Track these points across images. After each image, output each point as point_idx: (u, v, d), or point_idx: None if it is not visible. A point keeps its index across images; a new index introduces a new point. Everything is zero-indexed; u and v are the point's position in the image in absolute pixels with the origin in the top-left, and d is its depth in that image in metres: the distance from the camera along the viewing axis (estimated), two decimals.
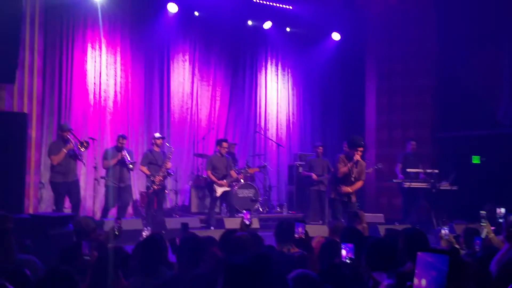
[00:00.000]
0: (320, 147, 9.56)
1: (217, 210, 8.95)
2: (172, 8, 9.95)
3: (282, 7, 11.08)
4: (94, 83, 9.37)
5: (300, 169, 10.09)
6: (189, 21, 10.47)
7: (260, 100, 11.45)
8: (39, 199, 8.38)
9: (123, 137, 8.08)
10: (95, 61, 9.37)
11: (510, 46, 9.90)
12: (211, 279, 2.84)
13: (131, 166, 8.00)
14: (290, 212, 10.04)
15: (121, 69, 9.69)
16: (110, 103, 9.55)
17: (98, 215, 8.27)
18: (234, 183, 8.92)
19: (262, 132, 11.29)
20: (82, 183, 8.50)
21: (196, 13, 10.45)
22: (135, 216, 8.97)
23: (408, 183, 9.05)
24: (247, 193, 9.42)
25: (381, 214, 9.32)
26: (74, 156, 7.50)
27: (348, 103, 12.00)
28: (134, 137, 9.74)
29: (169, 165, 8.17)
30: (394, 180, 9.32)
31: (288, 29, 11.54)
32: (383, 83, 11.28)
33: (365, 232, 4.96)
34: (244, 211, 4.41)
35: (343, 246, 3.07)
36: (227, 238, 3.57)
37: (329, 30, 11.68)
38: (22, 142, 6.97)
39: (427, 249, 1.86)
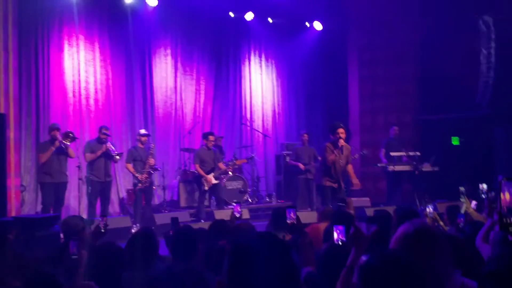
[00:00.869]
0: (305, 135, 9.59)
1: (206, 203, 8.89)
2: (152, 1, 9.79)
3: None
4: (73, 81, 9.13)
5: (287, 159, 10.10)
6: (169, 14, 10.26)
7: (245, 91, 11.38)
8: (21, 202, 8.15)
9: (106, 128, 7.89)
10: (73, 58, 9.13)
11: (487, 30, 10.07)
12: (205, 271, 2.81)
13: (117, 157, 7.76)
14: (279, 201, 10.04)
15: (100, 66, 9.47)
16: (91, 101, 9.34)
17: (85, 215, 8.12)
18: (222, 176, 8.87)
19: (248, 123, 11.25)
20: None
21: (176, 6, 10.27)
22: (123, 213, 8.85)
23: (392, 167, 9.41)
24: (236, 185, 9.41)
25: (367, 198, 9.65)
26: (62, 151, 7.34)
27: (331, 91, 12.03)
28: (117, 134, 9.55)
29: (152, 161, 8.02)
30: (379, 165, 9.63)
31: (270, 20, 11.46)
32: (365, 70, 11.44)
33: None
34: (234, 204, 4.40)
35: (334, 228, 3.06)
36: (216, 227, 3.56)
37: (311, 20, 11.68)
38: (1, 143, 6.75)
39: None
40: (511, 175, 2.75)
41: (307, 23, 11.80)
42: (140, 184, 7.88)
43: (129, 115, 9.80)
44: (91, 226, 6.53)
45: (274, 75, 11.84)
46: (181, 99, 10.50)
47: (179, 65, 10.49)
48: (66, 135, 7.34)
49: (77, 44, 9.19)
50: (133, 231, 4.65)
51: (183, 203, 9.31)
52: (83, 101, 9.23)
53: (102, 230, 3.94)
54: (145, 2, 9.79)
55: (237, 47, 11.33)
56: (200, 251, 3.05)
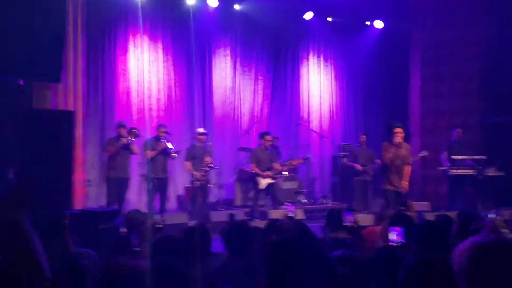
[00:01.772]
0: (363, 136, 9.46)
1: (261, 202, 8.93)
2: (213, 2, 9.96)
3: None
4: (138, 81, 9.45)
5: (344, 160, 9.97)
6: (229, 15, 10.41)
7: (302, 92, 11.32)
8: (86, 196, 8.50)
9: (163, 126, 8.15)
10: (137, 59, 9.45)
11: None
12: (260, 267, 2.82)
13: (175, 154, 7.99)
14: (334, 202, 9.92)
15: (163, 66, 9.76)
16: (154, 100, 9.63)
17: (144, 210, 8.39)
18: (278, 176, 8.89)
19: (305, 124, 11.19)
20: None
21: (236, 7, 10.41)
22: (180, 210, 9.06)
23: (454, 170, 8.99)
24: (291, 185, 9.40)
25: (428, 202, 9.39)
26: (126, 147, 7.65)
27: (391, 91, 11.74)
28: (177, 133, 9.78)
29: (208, 159, 8.15)
30: (440, 168, 9.24)
31: (329, 19, 11.34)
32: (428, 69, 11.00)
33: (415, 220, 4.86)
34: (288, 204, 4.40)
35: (391, 230, 3.00)
36: (271, 226, 3.57)
37: (372, 18, 11.46)
38: (69, 140, 7.00)
39: None
40: None
41: (367, 22, 11.58)
42: (197, 182, 8.04)
43: (189, 114, 10.01)
44: (150, 221, 6.77)
45: (332, 75, 11.70)
46: (239, 99, 10.61)
47: (237, 65, 10.61)
48: (130, 132, 7.65)
49: (142, 45, 9.50)
50: None
51: (238, 201, 9.40)
52: (146, 101, 9.52)
53: (160, 226, 4.07)
54: (206, 3, 9.98)
55: (295, 47, 11.29)
56: (255, 249, 3.08)
